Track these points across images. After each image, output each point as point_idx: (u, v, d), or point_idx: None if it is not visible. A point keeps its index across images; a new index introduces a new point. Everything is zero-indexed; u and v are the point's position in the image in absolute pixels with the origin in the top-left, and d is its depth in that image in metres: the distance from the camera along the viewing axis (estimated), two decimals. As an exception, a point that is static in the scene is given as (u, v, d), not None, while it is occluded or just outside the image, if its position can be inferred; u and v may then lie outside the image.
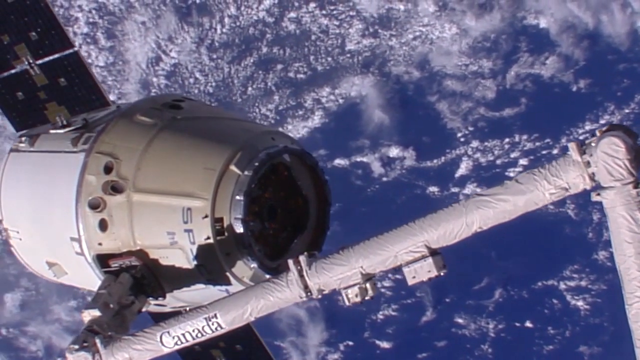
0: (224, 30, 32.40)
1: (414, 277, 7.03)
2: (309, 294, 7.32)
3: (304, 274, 7.29)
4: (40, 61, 9.23)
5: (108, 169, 8.43)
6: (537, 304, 31.40)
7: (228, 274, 8.24)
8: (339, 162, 32.25)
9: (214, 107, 10.29)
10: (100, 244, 8.44)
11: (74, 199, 8.51)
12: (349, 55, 32.44)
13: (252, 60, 32.41)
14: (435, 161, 32.04)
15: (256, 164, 8.10)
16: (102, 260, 8.51)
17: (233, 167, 8.09)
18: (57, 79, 9.28)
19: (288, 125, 32.32)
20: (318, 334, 32.15)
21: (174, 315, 9.46)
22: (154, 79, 32.67)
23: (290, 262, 7.36)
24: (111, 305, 8.11)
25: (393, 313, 31.71)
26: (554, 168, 6.47)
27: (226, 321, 7.55)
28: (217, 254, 8.09)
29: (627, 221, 6.27)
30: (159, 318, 9.52)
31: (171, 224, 8.12)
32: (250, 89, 32.50)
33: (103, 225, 8.39)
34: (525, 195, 6.55)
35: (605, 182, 6.28)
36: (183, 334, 7.68)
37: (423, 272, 6.99)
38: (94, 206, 8.39)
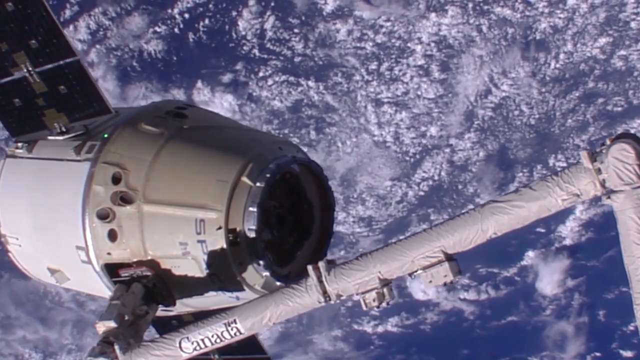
0: (557, 65, 33.48)
1: (430, 282, 7.18)
2: (327, 299, 7.45)
3: (323, 279, 7.42)
4: (39, 69, 9.09)
5: (116, 180, 8.46)
6: None
7: (240, 282, 8.34)
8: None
9: (217, 115, 10.32)
10: (109, 253, 8.47)
11: (80, 208, 8.52)
12: (664, 90, 33.75)
13: (576, 94, 33.47)
14: None
15: (267, 175, 8.20)
16: (111, 269, 8.54)
17: (245, 179, 8.18)
18: (57, 86, 9.13)
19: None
20: (577, 348, 33.28)
21: (176, 318, 9.60)
22: (480, 111, 33.64)
23: (310, 268, 7.49)
24: (126, 317, 8.13)
25: (645, 323, 32.79)
26: (566, 175, 6.69)
27: (245, 327, 7.65)
28: (230, 264, 8.18)
29: (636, 223, 6.52)
30: (161, 321, 9.64)
31: (184, 235, 8.19)
32: (569, 120, 33.60)
33: (112, 236, 8.42)
34: (538, 202, 6.75)
35: (616, 186, 6.51)
36: (202, 340, 7.74)
37: (439, 276, 7.16)
38: (103, 217, 8.42)
